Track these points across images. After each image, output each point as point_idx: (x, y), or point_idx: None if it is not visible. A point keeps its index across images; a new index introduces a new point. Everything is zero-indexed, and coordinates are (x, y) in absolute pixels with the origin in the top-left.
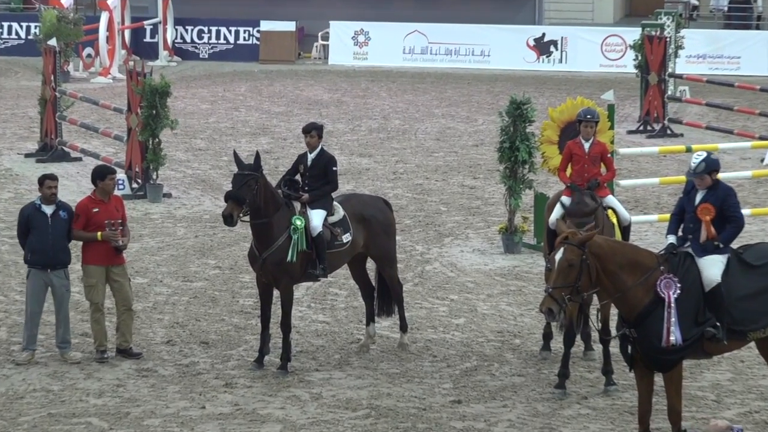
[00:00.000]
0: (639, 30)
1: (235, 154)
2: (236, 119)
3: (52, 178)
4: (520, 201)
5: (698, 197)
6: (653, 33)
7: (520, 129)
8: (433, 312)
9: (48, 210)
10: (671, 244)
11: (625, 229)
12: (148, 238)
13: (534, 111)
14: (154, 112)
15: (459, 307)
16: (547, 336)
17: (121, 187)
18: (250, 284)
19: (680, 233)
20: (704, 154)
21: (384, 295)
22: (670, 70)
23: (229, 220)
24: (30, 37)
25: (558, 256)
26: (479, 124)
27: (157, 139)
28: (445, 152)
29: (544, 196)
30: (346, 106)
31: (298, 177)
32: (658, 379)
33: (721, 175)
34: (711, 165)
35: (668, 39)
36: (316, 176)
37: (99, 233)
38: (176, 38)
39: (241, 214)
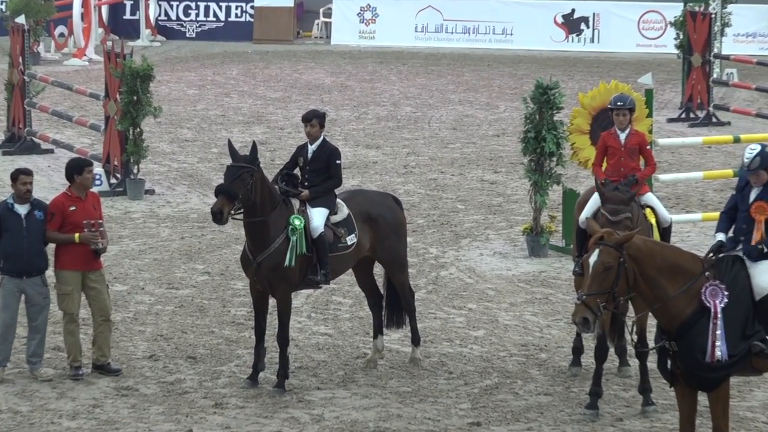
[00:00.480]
0: (681, 5)
1: (230, 144)
2: (227, 106)
3: (27, 173)
4: (546, 198)
5: (752, 195)
6: (697, 9)
7: (547, 117)
8: (448, 323)
9: (22, 210)
10: (719, 241)
11: (665, 231)
12: (129, 240)
13: (562, 96)
14: (134, 98)
15: (478, 317)
16: (577, 350)
17: (97, 182)
18: (243, 292)
19: (731, 234)
20: (758, 148)
21: (393, 304)
22: (715, 50)
23: (218, 216)
24: None
25: (592, 258)
26: (501, 112)
27: (138, 129)
28: (462, 143)
29: (573, 193)
30: (350, 91)
31: (296, 171)
32: (702, 399)
33: None
34: (767, 159)
35: (714, 15)
36: (318, 170)
37: (76, 235)
38: (159, 15)
39: (232, 212)
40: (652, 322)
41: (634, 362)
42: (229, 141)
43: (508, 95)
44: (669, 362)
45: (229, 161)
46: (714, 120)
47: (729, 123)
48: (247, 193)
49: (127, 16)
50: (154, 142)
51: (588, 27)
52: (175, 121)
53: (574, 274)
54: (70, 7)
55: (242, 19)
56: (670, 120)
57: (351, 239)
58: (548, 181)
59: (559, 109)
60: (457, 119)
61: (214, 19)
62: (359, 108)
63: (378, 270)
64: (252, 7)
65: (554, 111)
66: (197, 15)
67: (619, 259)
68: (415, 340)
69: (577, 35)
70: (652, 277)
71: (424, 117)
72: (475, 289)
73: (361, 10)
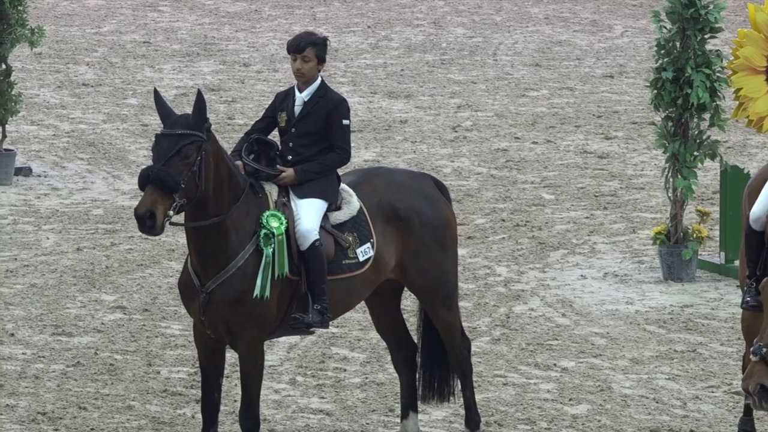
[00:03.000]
0: None
1: (157, 96)
2: (154, 27)
3: None
4: (694, 182)
5: None
6: None
7: (695, 45)
8: (528, 392)
9: None
10: None
11: None
12: None
13: (721, 9)
14: None
15: (578, 382)
16: None
17: None
18: (182, 340)
19: None
20: None
21: (435, 361)
22: None
23: (149, 222)
24: None
25: None
26: (615, 36)
27: (2, 66)
28: (550, 89)
29: (740, 173)
30: (362, 0)
31: (274, 136)
32: None
33: None
34: None
35: None
36: (310, 135)
37: None
38: None
39: (171, 211)
40: None
41: None
42: (156, 91)
43: (629, 8)
44: None
45: (158, 125)
46: None
47: None
48: (194, 180)
49: None
50: (31, 89)
51: None
52: (66, 54)
53: (745, 307)
54: None
55: None
56: None
57: (364, 252)
58: (697, 153)
59: (716, 32)
60: (543, 49)
61: None
62: (376, 30)
63: (409, 303)
64: None
65: (707, 35)
66: None
67: None
68: (472, 422)
69: None
70: None
71: (486, 45)
72: (572, 335)
73: None
